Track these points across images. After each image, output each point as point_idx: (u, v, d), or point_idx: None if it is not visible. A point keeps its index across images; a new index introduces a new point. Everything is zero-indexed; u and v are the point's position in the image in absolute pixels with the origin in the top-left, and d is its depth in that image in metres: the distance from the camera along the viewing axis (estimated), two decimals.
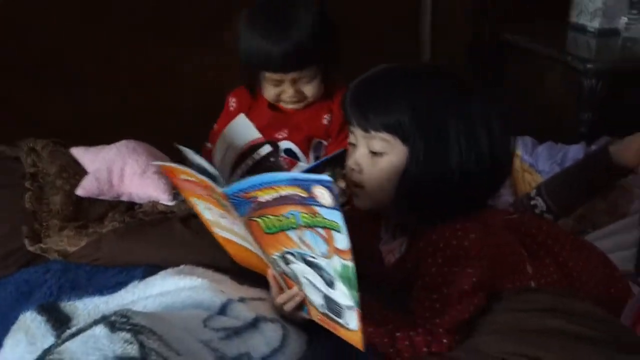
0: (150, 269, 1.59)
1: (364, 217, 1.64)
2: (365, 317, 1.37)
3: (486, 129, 1.50)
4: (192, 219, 1.74)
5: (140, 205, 1.93)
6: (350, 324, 1.33)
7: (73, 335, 1.27)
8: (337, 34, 2.13)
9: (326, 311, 1.38)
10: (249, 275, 1.58)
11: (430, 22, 3.30)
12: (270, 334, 1.41)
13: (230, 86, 2.34)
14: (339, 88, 2.16)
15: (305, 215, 1.27)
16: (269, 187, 1.28)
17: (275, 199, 1.29)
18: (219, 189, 1.35)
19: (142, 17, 2.94)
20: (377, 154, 1.53)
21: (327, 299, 1.36)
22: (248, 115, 2.16)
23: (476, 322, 1.50)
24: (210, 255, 1.62)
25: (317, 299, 1.39)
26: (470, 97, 1.52)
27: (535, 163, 2.47)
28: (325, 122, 2.16)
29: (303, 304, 1.46)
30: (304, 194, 1.24)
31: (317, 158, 2.20)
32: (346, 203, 1.67)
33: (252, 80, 2.15)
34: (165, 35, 2.98)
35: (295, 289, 1.44)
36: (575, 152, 2.45)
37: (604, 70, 2.86)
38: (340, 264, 1.28)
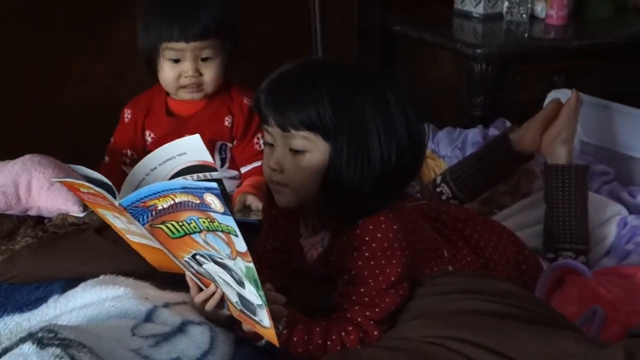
0: (69, 282, 1.56)
1: (281, 213, 1.64)
2: (292, 329, 1.44)
3: (403, 117, 1.50)
4: (106, 228, 1.72)
5: (50, 219, 1.91)
6: (263, 321, 1.34)
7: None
8: (239, 21, 2.12)
9: (242, 308, 1.38)
10: (170, 280, 1.57)
11: (319, 15, 3.32)
12: (198, 337, 1.41)
13: (121, 95, 2.32)
14: (236, 89, 2.17)
15: (205, 221, 1.28)
16: (164, 195, 1.29)
17: (172, 206, 1.30)
18: (116, 202, 1.35)
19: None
20: (298, 152, 1.51)
21: (241, 297, 1.36)
22: (145, 124, 2.15)
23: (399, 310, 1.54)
24: (129, 262, 1.60)
25: (232, 297, 1.39)
26: (384, 87, 1.52)
27: (437, 148, 2.53)
28: (227, 124, 2.16)
29: (223, 300, 1.45)
30: (197, 201, 1.26)
31: (222, 160, 2.20)
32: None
33: (151, 65, 2.11)
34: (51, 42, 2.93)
35: (212, 286, 1.43)
36: (473, 135, 2.52)
37: (492, 53, 2.94)
38: (244, 265, 1.29)
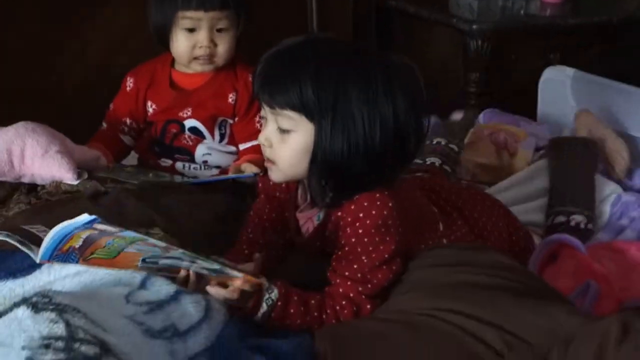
0: None
1: (278, 186, 1.66)
2: (288, 301, 1.47)
3: (390, 102, 1.50)
4: (100, 196, 1.72)
5: (43, 186, 1.90)
6: (234, 273, 1.43)
7: None
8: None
9: (212, 274, 1.44)
10: None
11: None
12: (193, 305, 1.40)
13: (116, 66, 2.31)
14: (242, 66, 2.17)
15: (118, 239, 1.40)
16: (70, 237, 1.41)
17: (85, 241, 1.40)
18: (37, 259, 1.43)
19: None
20: (285, 131, 1.52)
21: (204, 269, 1.43)
22: (147, 95, 2.15)
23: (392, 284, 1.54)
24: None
25: (203, 271, 1.44)
26: (373, 70, 1.51)
27: None
28: (230, 101, 2.16)
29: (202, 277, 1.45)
30: (95, 231, 1.41)
31: (222, 135, 2.19)
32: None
33: (164, 35, 2.11)
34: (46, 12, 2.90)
35: (182, 272, 1.44)
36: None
37: (488, 30, 2.94)
38: (178, 251, 1.42)
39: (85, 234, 1.40)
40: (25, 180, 1.91)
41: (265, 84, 1.53)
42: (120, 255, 1.41)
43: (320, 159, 1.51)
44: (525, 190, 2.12)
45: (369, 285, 1.51)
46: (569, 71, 2.51)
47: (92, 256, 1.40)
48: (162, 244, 1.43)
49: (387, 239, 1.51)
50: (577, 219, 1.98)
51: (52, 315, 1.21)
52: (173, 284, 1.42)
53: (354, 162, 1.49)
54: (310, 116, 1.50)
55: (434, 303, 1.46)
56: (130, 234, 1.42)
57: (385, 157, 1.51)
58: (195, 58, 2.11)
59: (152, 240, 1.43)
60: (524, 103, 2.71)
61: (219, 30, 2.09)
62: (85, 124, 2.25)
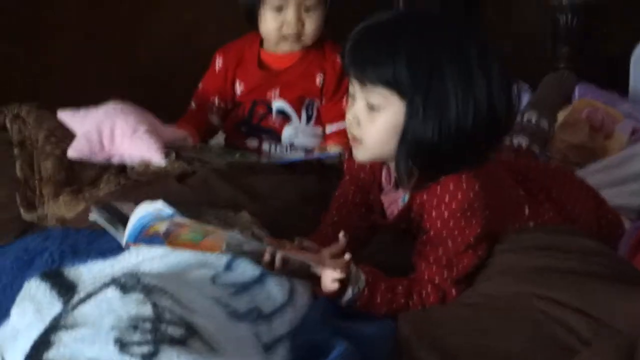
0: None
1: (364, 166, 1.64)
2: (375, 289, 1.45)
3: (485, 79, 1.46)
4: (188, 176, 1.74)
5: (133, 166, 1.93)
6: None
7: (83, 299, 1.27)
8: None
9: None
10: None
11: None
12: (277, 288, 1.41)
13: (202, 43, 2.33)
14: (330, 46, 2.16)
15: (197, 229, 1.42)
16: (154, 223, 1.43)
17: (169, 227, 1.42)
18: (124, 241, 1.45)
19: None
20: (374, 108, 1.50)
21: None
22: (236, 74, 2.16)
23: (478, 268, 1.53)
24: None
25: None
26: (469, 46, 1.48)
27: None
28: (318, 82, 2.16)
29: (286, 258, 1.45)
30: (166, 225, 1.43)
31: (308, 117, 2.20)
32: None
33: (253, 14, 2.13)
34: None
35: (266, 255, 1.43)
36: None
37: (578, 4, 2.87)
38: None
39: (165, 224, 1.42)
40: (115, 160, 1.95)
41: (357, 58, 1.51)
42: (206, 239, 1.42)
43: (409, 138, 1.48)
44: (618, 174, 2.08)
45: (455, 270, 1.49)
46: None
47: (179, 239, 1.42)
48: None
49: (473, 222, 1.49)
50: None
51: (140, 296, 1.23)
52: (258, 266, 1.44)
53: (445, 143, 1.46)
54: (402, 93, 1.47)
55: (519, 288, 1.44)
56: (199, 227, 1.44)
57: (476, 137, 1.48)
58: (284, 37, 2.11)
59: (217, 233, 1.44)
60: (615, 79, 2.65)
61: (307, 10, 2.08)
62: (170, 101, 2.28)
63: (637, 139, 2.19)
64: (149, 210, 1.43)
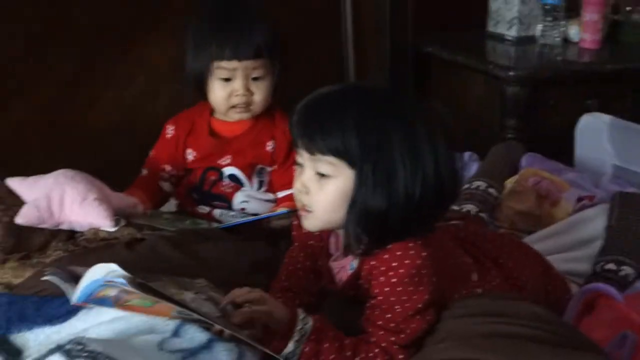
0: None
1: (311, 234, 1.65)
2: (323, 336, 1.46)
3: (432, 150, 1.48)
4: (136, 243, 1.74)
5: (82, 233, 1.92)
6: None
7: None
8: (286, 45, 2.14)
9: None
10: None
11: (352, 37, 3.33)
12: (224, 354, 1.41)
13: (155, 111, 2.35)
14: (280, 114, 2.19)
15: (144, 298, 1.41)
16: (104, 288, 1.43)
17: (120, 292, 1.42)
18: (73, 301, 1.46)
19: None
20: (324, 177, 1.51)
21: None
22: (187, 142, 2.18)
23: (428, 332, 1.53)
24: (158, 278, 1.61)
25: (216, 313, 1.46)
26: (415, 117, 1.50)
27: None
28: (269, 149, 2.18)
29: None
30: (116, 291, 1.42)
31: (260, 182, 2.21)
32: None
33: (201, 84, 2.14)
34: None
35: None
36: None
37: (525, 76, 2.93)
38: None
39: (115, 291, 1.42)
40: (64, 227, 1.94)
41: (306, 128, 1.52)
42: (156, 305, 1.41)
43: (358, 206, 1.49)
44: (565, 240, 2.11)
45: (402, 335, 1.49)
46: (605, 118, 2.51)
47: (128, 303, 1.41)
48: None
49: (421, 288, 1.50)
50: (627, 270, 1.96)
51: None
52: (206, 331, 1.43)
53: (393, 211, 1.48)
54: (351, 162, 1.48)
55: (467, 354, 1.43)
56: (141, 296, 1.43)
57: (423, 206, 1.50)
58: (233, 106, 2.13)
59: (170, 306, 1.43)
60: (561, 149, 2.70)
61: (255, 79, 2.11)
62: (122, 168, 2.28)
63: (583, 206, 2.23)
64: (102, 274, 1.43)
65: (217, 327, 1.43)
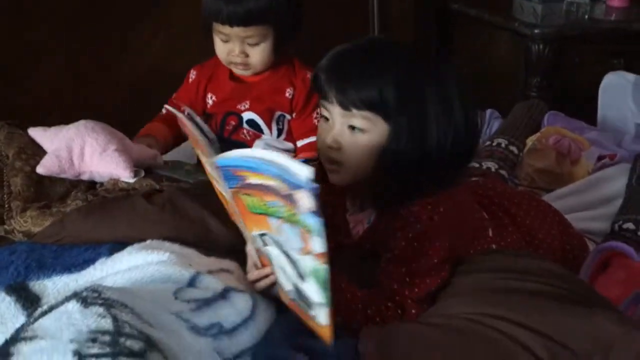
0: (117, 246, 1.58)
1: (329, 188, 1.62)
2: (335, 295, 1.37)
3: (461, 104, 1.49)
4: (155, 194, 1.75)
5: (102, 183, 1.94)
6: (319, 318, 1.33)
7: (45, 312, 1.27)
8: (297, 9, 2.14)
9: (296, 298, 1.38)
10: (215, 249, 1.59)
11: None
12: (239, 304, 1.42)
13: (176, 70, 2.36)
14: (299, 63, 2.19)
15: (286, 211, 1.24)
16: (257, 173, 1.25)
17: (260, 185, 1.26)
18: (212, 158, 1.32)
19: None
20: (357, 131, 1.50)
21: (297, 290, 1.35)
22: (208, 87, 2.19)
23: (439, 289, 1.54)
24: (175, 228, 1.63)
25: (287, 286, 1.39)
26: (446, 73, 1.51)
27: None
28: (288, 95, 2.19)
29: (273, 284, 1.44)
30: (286, 192, 1.22)
31: (279, 130, 2.22)
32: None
33: (207, 34, 2.17)
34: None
35: (268, 269, 1.42)
36: None
37: (550, 35, 2.91)
38: (312, 264, 1.27)
39: (272, 183, 1.22)
40: (85, 177, 1.96)
41: (339, 82, 1.50)
42: (258, 216, 1.32)
43: (390, 160, 1.49)
44: (584, 199, 2.11)
45: (416, 289, 1.50)
46: (630, 77, 2.49)
47: (242, 195, 1.31)
48: (320, 248, 1.23)
49: (437, 244, 1.51)
50: None
51: (101, 309, 1.23)
52: (221, 282, 1.45)
53: (425, 163, 1.48)
54: (387, 116, 1.48)
55: (479, 308, 1.44)
56: (312, 220, 1.20)
57: (453, 159, 1.51)
58: (233, 63, 2.16)
59: (316, 240, 1.23)
60: (585, 108, 2.69)
61: (251, 44, 2.12)
62: (143, 123, 2.30)
63: (603, 165, 2.22)
64: (263, 158, 1.24)
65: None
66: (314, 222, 1.20)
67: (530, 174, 2.25)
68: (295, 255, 1.29)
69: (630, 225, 1.96)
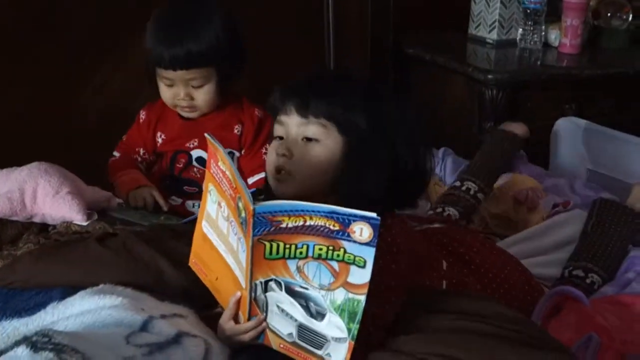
0: (69, 290, 1.56)
1: None
2: None
3: (419, 133, 1.53)
4: (109, 237, 1.73)
5: (54, 226, 1.92)
6: (334, 355, 1.32)
7: None
8: (240, 49, 2.15)
9: (296, 340, 1.37)
10: (169, 293, 1.58)
11: (333, 36, 3.33)
12: (192, 349, 1.41)
13: (135, 105, 2.36)
14: (247, 101, 2.20)
15: (323, 248, 1.26)
16: (299, 214, 1.26)
17: (296, 227, 1.27)
18: (251, 205, 1.29)
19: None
20: (310, 140, 1.52)
21: (303, 329, 1.35)
22: (158, 126, 2.19)
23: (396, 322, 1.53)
24: (128, 272, 1.61)
25: (285, 329, 1.37)
26: (405, 102, 1.56)
27: (443, 177, 2.54)
28: (236, 132, 2.20)
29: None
30: (336, 227, 1.23)
31: None
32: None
33: (152, 80, 2.17)
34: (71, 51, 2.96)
35: (260, 317, 1.39)
36: None
37: (503, 80, 2.94)
38: (344, 297, 1.27)
39: (315, 222, 1.25)
40: (37, 220, 1.94)
41: (304, 92, 1.52)
42: (273, 262, 1.31)
43: (344, 175, 1.51)
44: (537, 244, 2.13)
45: (377, 312, 1.45)
46: (581, 122, 2.53)
47: (265, 242, 1.29)
48: (364, 279, 1.26)
49: (393, 266, 1.50)
50: (594, 278, 1.98)
51: (50, 355, 1.22)
52: (174, 326, 1.43)
53: (375, 183, 1.50)
54: (343, 129, 1.50)
55: (432, 348, 1.43)
56: (366, 252, 1.23)
57: (403, 184, 1.53)
58: (179, 106, 2.18)
59: (358, 271, 1.26)
60: (538, 152, 2.72)
61: (195, 87, 2.13)
62: (97, 164, 2.28)
63: (556, 212, 2.24)
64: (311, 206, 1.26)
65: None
66: (369, 253, 1.23)
67: (486, 217, 2.26)
68: (314, 293, 1.30)
69: (579, 272, 1.98)
